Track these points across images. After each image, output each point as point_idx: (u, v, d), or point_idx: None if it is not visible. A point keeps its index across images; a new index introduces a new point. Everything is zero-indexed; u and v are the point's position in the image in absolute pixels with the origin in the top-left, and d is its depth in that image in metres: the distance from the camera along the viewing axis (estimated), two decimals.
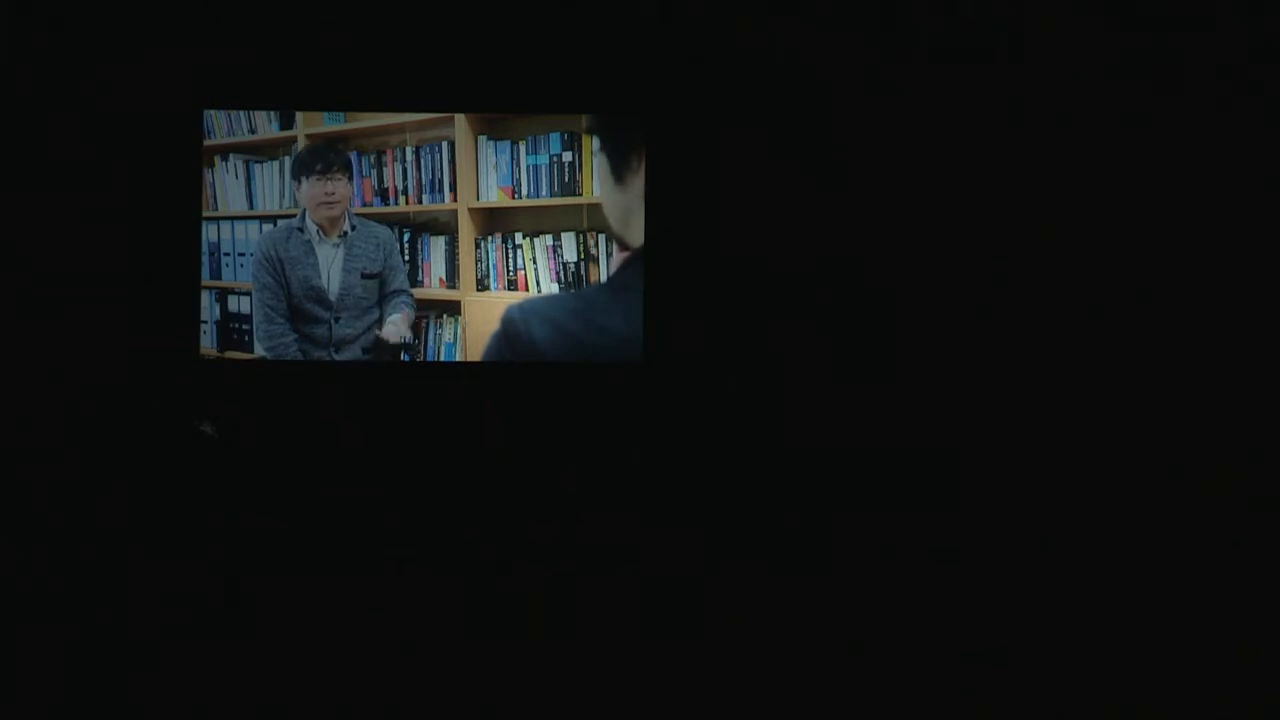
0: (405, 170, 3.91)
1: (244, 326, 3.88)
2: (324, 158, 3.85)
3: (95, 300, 3.80)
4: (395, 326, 3.87)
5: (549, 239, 3.90)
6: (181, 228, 3.86)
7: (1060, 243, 3.78)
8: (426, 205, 3.92)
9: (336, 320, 3.87)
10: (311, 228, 3.86)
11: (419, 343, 3.92)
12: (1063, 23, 3.78)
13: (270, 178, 3.89)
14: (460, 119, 3.89)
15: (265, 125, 3.89)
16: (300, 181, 3.86)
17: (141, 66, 3.81)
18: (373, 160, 3.91)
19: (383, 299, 3.90)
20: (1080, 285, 3.77)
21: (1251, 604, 3.36)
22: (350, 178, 3.88)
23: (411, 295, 3.91)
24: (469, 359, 3.90)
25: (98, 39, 3.80)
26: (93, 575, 3.47)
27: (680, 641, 3.22)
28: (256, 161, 3.90)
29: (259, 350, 3.86)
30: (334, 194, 3.86)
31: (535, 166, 3.90)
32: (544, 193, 3.90)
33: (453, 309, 3.93)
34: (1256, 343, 3.68)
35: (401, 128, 3.90)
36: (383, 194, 3.92)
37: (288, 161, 3.88)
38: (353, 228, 3.88)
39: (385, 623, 3.30)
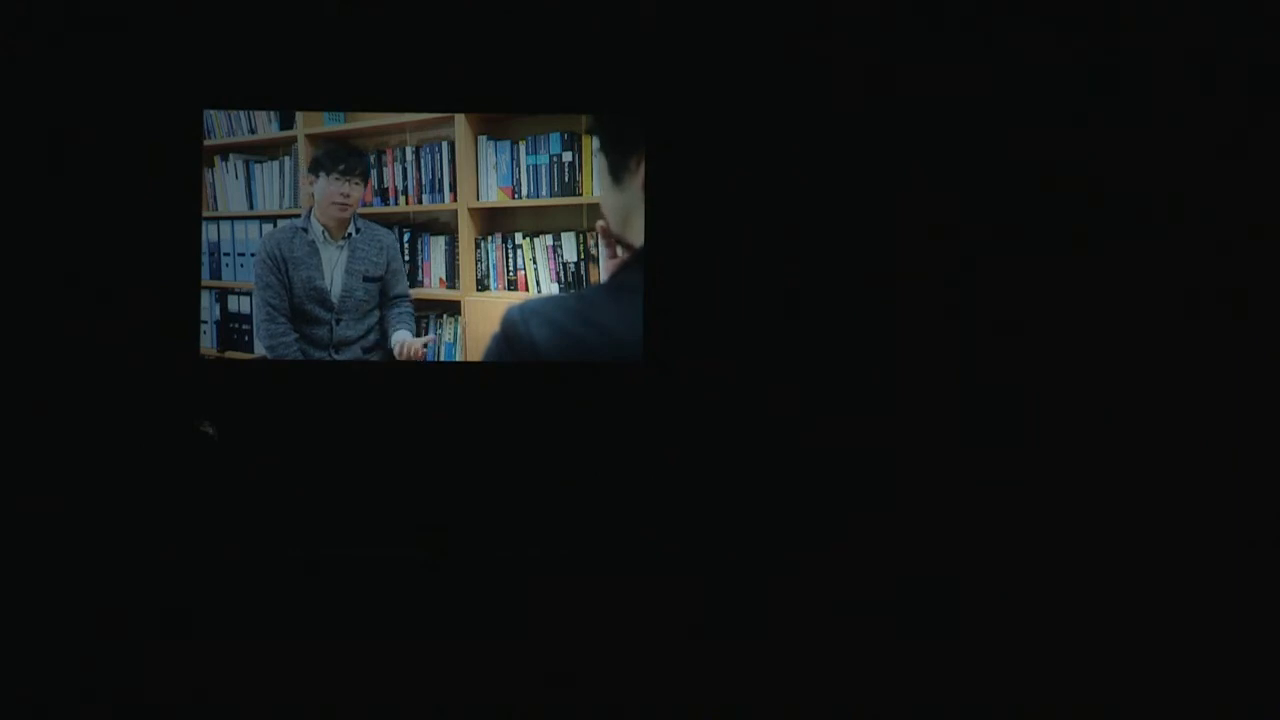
0: (405, 170, 3.91)
1: (244, 326, 3.88)
2: (345, 159, 3.85)
3: (95, 300, 3.80)
4: (404, 350, 3.89)
5: (549, 239, 3.91)
6: (181, 228, 3.86)
7: (1059, 243, 3.79)
8: (426, 205, 3.92)
9: (338, 322, 3.87)
10: (316, 228, 3.86)
11: (434, 343, 3.92)
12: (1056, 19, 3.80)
13: (270, 178, 3.89)
14: (460, 119, 3.89)
15: (265, 125, 3.89)
16: (317, 176, 3.85)
17: (141, 66, 3.80)
18: (373, 160, 3.91)
19: (383, 303, 3.90)
20: (1078, 287, 3.78)
21: (1250, 607, 3.37)
22: (366, 184, 3.88)
23: (411, 304, 3.91)
24: (469, 359, 3.90)
25: (98, 39, 3.79)
26: (92, 575, 3.46)
27: (681, 641, 3.22)
28: (256, 161, 3.90)
29: (259, 349, 3.86)
30: (349, 196, 3.86)
31: (535, 166, 3.90)
32: (544, 193, 3.90)
33: (453, 309, 3.93)
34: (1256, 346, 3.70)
35: (401, 128, 3.90)
36: (383, 194, 3.92)
37: (288, 161, 3.88)
38: (357, 230, 3.88)
39: (383, 622, 3.30)
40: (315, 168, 3.85)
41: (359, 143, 3.90)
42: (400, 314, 3.90)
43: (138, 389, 3.80)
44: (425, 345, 3.89)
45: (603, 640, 3.20)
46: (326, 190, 3.85)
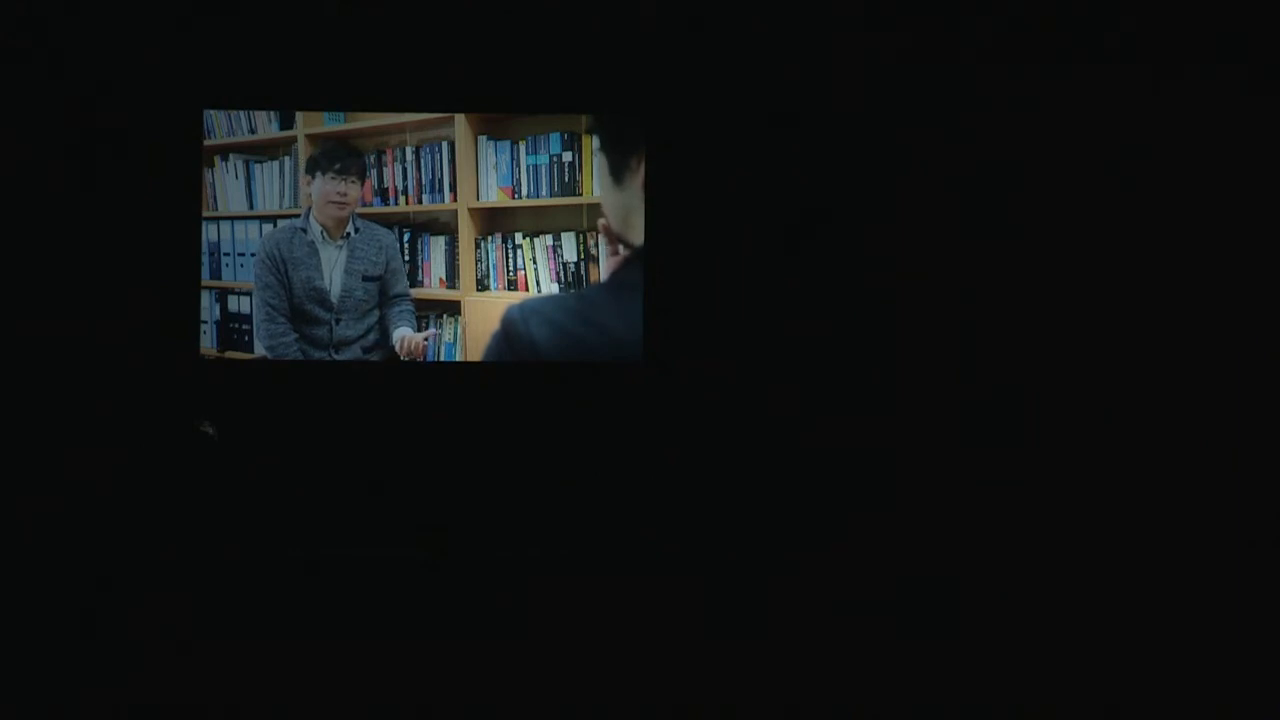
0: (405, 170, 3.91)
1: (244, 326, 3.89)
2: (342, 158, 3.86)
3: (96, 300, 3.80)
4: (405, 344, 3.88)
5: (549, 239, 3.91)
6: (181, 228, 3.86)
7: (1059, 243, 3.79)
8: (426, 205, 3.92)
9: (337, 322, 3.87)
10: (315, 228, 3.87)
11: (435, 338, 3.92)
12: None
13: (270, 178, 3.89)
14: (460, 119, 3.89)
15: (265, 125, 3.89)
16: (313, 176, 3.85)
17: (141, 66, 3.81)
18: (373, 160, 3.91)
19: (383, 302, 3.90)
20: (1076, 291, 3.78)
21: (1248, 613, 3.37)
22: (363, 183, 3.88)
23: (412, 303, 3.91)
24: (469, 359, 3.90)
25: (98, 39, 3.79)
26: (92, 574, 3.47)
27: (680, 641, 3.23)
28: (256, 161, 3.90)
29: (259, 350, 3.86)
30: (346, 195, 3.86)
31: (535, 166, 3.90)
32: (544, 193, 3.90)
33: (453, 309, 3.93)
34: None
35: (401, 128, 3.90)
36: (383, 194, 3.92)
37: (288, 161, 3.88)
38: (356, 230, 3.89)
39: (383, 622, 3.30)
40: (312, 167, 3.85)
41: (358, 143, 3.90)
42: (401, 312, 3.90)
43: (138, 389, 3.80)
44: (426, 339, 3.89)
45: (603, 640, 3.20)
46: (323, 189, 3.85)
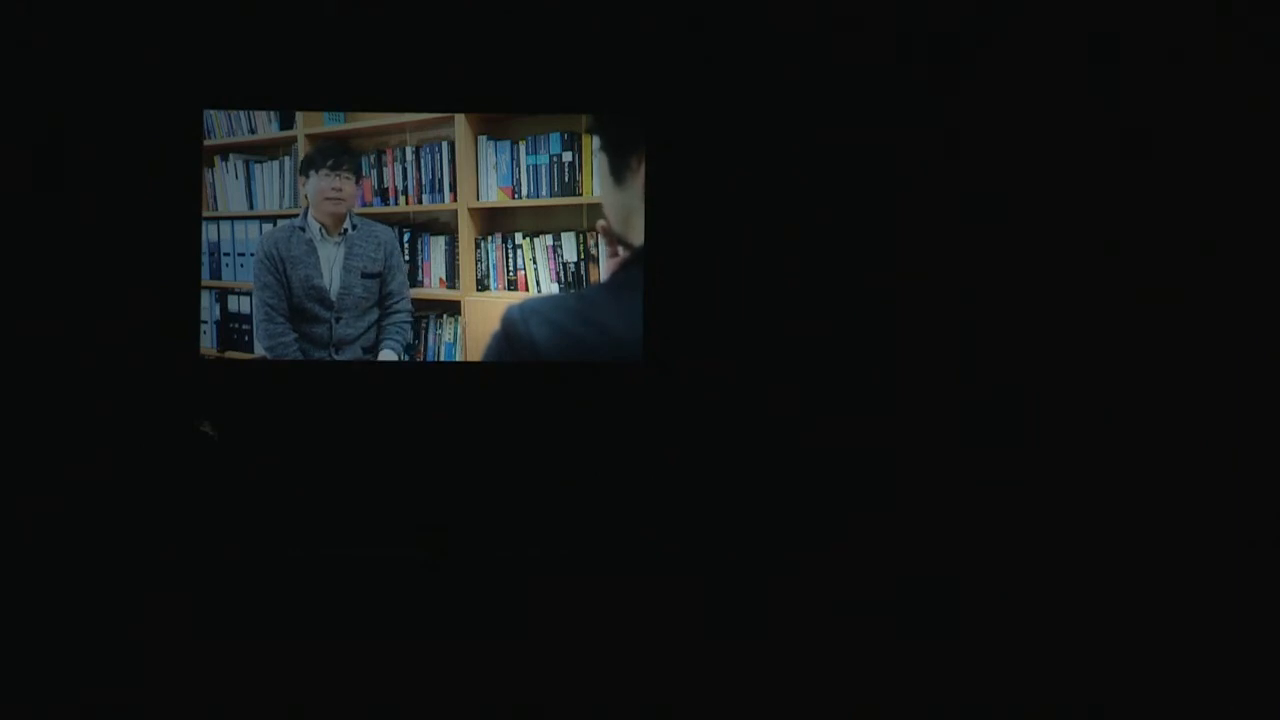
0: (405, 170, 3.92)
1: (244, 326, 3.89)
2: (335, 154, 3.86)
3: (95, 300, 3.80)
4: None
5: (549, 239, 3.91)
6: (181, 228, 3.86)
7: (1059, 243, 3.79)
8: (426, 205, 3.92)
9: (337, 320, 3.87)
10: (314, 226, 3.87)
11: (419, 342, 3.92)
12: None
13: (270, 178, 3.89)
14: (460, 119, 3.89)
15: (265, 125, 3.89)
16: (308, 175, 3.86)
17: (141, 66, 3.81)
18: (373, 160, 3.91)
19: (382, 298, 3.90)
20: (1075, 291, 3.78)
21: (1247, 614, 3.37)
22: (358, 179, 3.88)
23: (410, 304, 3.91)
24: (469, 359, 3.90)
25: (98, 39, 3.79)
26: (92, 575, 3.47)
27: (680, 641, 3.23)
28: (256, 161, 3.90)
29: (259, 350, 3.86)
30: (341, 190, 3.86)
31: (535, 166, 3.90)
32: (544, 193, 3.90)
33: (453, 309, 3.93)
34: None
35: (401, 128, 3.90)
36: (383, 194, 3.92)
37: (288, 161, 3.89)
38: (354, 227, 3.89)
39: (383, 622, 3.30)
40: (306, 167, 3.86)
41: (358, 143, 3.90)
42: (392, 325, 3.89)
43: (138, 389, 3.80)
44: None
45: (603, 640, 3.20)
46: (319, 186, 3.86)
